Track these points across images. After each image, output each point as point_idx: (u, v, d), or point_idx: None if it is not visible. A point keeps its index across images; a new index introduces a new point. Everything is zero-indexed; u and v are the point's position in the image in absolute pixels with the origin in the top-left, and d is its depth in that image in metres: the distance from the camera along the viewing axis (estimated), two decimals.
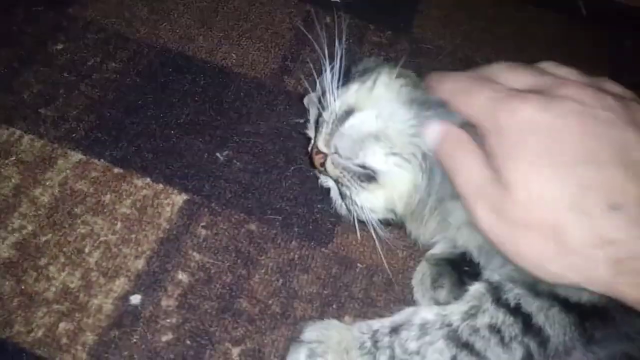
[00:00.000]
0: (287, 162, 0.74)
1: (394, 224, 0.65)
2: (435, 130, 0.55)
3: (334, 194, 0.66)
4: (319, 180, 0.67)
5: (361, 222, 0.62)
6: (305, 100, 0.73)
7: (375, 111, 0.57)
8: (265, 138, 0.76)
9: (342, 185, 0.60)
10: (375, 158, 0.57)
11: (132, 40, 0.86)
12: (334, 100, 0.60)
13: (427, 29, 0.97)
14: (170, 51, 0.85)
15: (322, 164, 0.60)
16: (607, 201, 0.44)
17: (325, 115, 0.60)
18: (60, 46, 0.84)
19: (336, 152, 0.58)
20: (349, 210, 0.63)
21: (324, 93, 0.64)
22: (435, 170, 0.56)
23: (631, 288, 0.45)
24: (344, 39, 0.64)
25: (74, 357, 0.56)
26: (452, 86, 0.54)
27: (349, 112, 0.58)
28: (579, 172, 0.44)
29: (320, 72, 0.67)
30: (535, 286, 0.53)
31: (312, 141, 0.63)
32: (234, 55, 0.86)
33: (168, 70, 0.82)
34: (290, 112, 0.79)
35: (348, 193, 0.60)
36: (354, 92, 0.60)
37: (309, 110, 0.73)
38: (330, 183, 0.65)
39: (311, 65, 0.83)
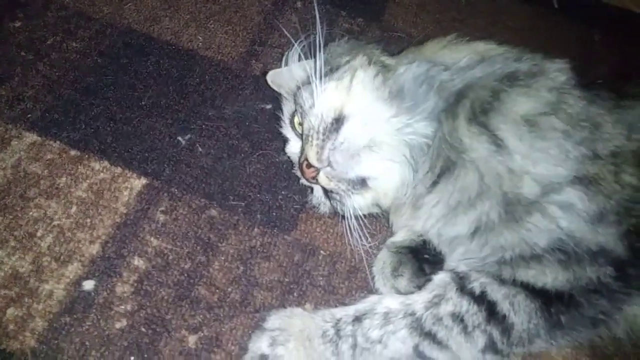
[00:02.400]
0: (252, 148, 0.72)
1: (376, 216, 0.65)
2: None
3: (318, 193, 0.65)
4: (300, 181, 0.65)
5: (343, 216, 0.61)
6: (269, 78, 0.71)
7: (361, 117, 0.56)
8: (230, 122, 0.74)
9: (332, 191, 0.60)
10: (370, 167, 0.57)
11: (94, 20, 0.83)
12: (315, 104, 0.58)
13: (398, 17, 0.96)
14: (135, 32, 0.82)
15: (314, 177, 0.59)
16: None
17: (311, 120, 0.58)
18: (18, 23, 0.81)
19: (329, 166, 0.57)
20: (334, 208, 0.63)
21: (298, 88, 0.62)
22: (419, 163, 0.56)
23: None
24: (319, 27, 0.62)
25: (22, 343, 0.54)
26: None
27: (338, 121, 0.56)
28: None
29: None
30: (500, 275, 0.54)
31: (300, 153, 0.61)
32: (200, 37, 0.83)
33: (131, 52, 0.80)
34: (256, 97, 0.77)
35: (337, 197, 0.60)
36: (333, 92, 0.58)
37: (281, 97, 0.71)
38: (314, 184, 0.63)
39: (280, 50, 0.82)
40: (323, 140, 0.56)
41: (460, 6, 1.01)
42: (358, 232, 0.60)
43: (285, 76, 0.70)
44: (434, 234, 0.58)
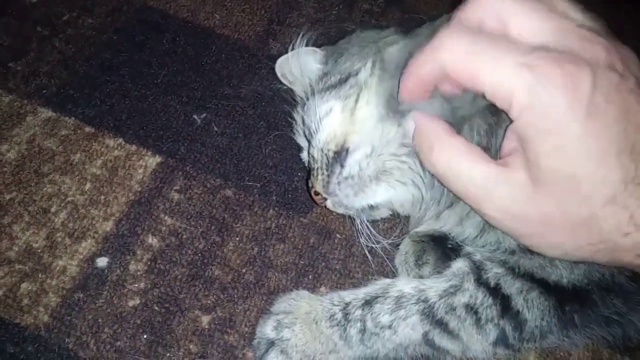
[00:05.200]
0: (268, 128, 0.71)
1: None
2: (411, 128, 0.49)
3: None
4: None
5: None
6: (278, 68, 0.68)
7: (366, 147, 0.54)
8: (246, 102, 0.73)
9: None
10: (378, 196, 0.56)
11: None
12: (319, 129, 0.57)
13: None
14: (151, 9, 0.81)
15: (323, 202, 0.60)
16: None
17: (314, 154, 0.57)
18: None
19: (337, 196, 0.57)
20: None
21: (307, 99, 0.60)
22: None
23: None
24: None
25: (36, 318, 0.54)
26: (454, 55, 0.42)
27: (340, 153, 0.55)
28: (623, 163, 0.39)
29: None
30: (508, 262, 0.52)
31: (308, 176, 0.60)
32: (217, 15, 0.82)
33: (147, 29, 0.79)
34: (273, 77, 0.74)
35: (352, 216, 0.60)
36: (338, 117, 0.56)
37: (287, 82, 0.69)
38: None
39: (298, 30, 0.80)
40: (328, 175, 0.56)
41: None
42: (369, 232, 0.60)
43: (292, 65, 0.66)
44: (451, 233, 0.58)
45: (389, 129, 0.53)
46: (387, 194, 0.56)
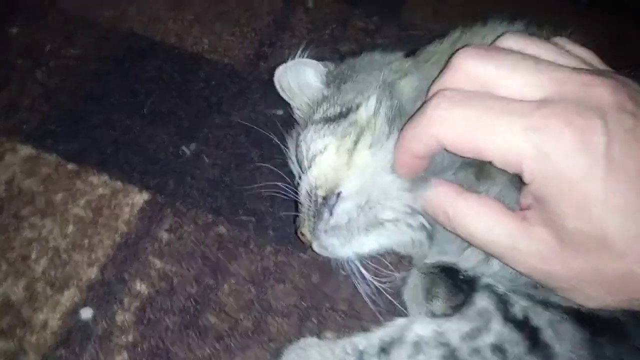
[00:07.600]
0: (262, 157, 0.66)
1: None
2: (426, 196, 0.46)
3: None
4: None
5: None
6: (277, 79, 0.64)
7: (362, 198, 0.49)
8: (238, 130, 0.69)
9: None
10: (365, 247, 0.53)
11: (95, 25, 0.78)
12: (311, 167, 0.53)
13: (417, 13, 0.89)
14: (137, 36, 0.78)
15: (309, 244, 0.55)
16: None
17: (301, 195, 0.54)
18: (15, 29, 0.77)
19: (322, 241, 0.53)
20: None
21: (305, 125, 0.57)
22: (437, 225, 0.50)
23: None
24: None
25: None
26: (452, 130, 0.39)
27: (330, 198, 0.51)
28: None
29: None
30: (533, 296, 0.48)
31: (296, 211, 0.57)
32: (205, 40, 0.78)
33: (133, 57, 0.75)
34: (265, 102, 0.71)
35: None
36: (331, 157, 0.51)
37: (285, 95, 0.65)
38: None
39: (290, 52, 0.76)
40: (315, 222, 0.52)
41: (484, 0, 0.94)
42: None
43: (290, 78, 0.62)
44: (475, 269, 0.53)
45: (392, 181, 0.49)
46: (377, 244, 0.53)
